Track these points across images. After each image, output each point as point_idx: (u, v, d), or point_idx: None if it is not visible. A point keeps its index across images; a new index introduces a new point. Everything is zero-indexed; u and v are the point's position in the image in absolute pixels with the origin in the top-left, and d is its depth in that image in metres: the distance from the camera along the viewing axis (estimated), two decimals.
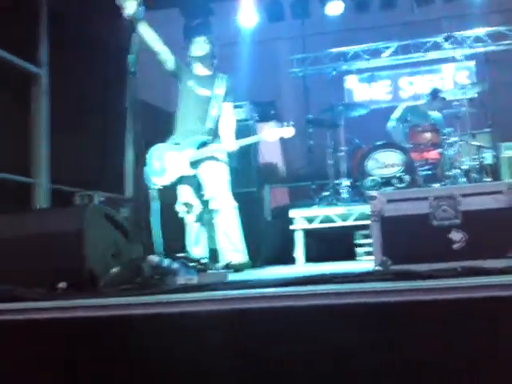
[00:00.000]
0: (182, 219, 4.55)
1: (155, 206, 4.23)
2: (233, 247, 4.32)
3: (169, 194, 4.55)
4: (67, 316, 2.06)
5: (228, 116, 4.54)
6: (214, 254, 5.13)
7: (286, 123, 4.38)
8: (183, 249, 4.46)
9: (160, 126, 6.32)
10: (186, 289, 2.29)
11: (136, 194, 6.13)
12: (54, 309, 2.09)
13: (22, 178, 5.00)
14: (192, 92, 4.50)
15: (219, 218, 4.35)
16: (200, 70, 4.59)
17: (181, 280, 2.53)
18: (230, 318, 1.95)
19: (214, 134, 4.50)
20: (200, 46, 4.51)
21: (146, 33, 4.25)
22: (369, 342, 1.82)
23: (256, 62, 5.28)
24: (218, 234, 4.39)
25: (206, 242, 4.53)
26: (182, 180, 4.46)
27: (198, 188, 4.48)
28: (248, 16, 7.05)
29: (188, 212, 4.47)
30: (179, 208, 4.49)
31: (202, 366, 1.95)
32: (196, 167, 4.41)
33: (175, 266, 2.70)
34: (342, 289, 1.92)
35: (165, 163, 4.46)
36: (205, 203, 4.46)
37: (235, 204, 4.37)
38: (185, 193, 4.49)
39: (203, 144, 4.42)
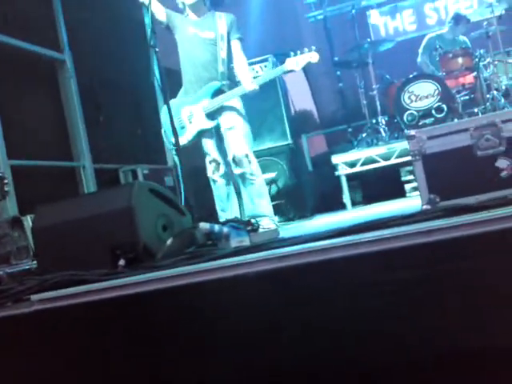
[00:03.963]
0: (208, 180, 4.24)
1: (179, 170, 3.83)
2: (259, 214, 4.05)
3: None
4: (131, 292, 2.14)
5: (238, 54, 4.17)
6: None
7: (306, 48, 3.95)
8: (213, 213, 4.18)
9: None
10: (240, 251, 2.33)
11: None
12: (116, 287, 2.16)
13: (67, 162, 5.10)
14: (195, 37, 4.14)
15: (245, 184, 4.10)
16: (195, 15, 4.21)
17: (234, 243, 2.57)
18: (288, 274, 1.99)
19: (229, 78, 4.15)
20: None
21: None
22: (429, 280, 1.84)
23: (272, 11, 5.11)
24: (244, 200, 4.16)
25: (237, 203, 4.23)
26: (202, 135, 4.15)
27: (219, 143, 4.17)
28: None
29: (215, 171, 4.18)
30: (209, 167, 4.19)
31: (266, 321, 2.00)
32: (214, 118, 4.09)
33: (226, 230, 2.75)
34: (394, 232, 1.92)
35: (183, 119, 4.13)
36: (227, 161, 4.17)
37: (260, 173, 4.15)
38: (210, 148, 4.18)
39: (219, 91, 4.09)
